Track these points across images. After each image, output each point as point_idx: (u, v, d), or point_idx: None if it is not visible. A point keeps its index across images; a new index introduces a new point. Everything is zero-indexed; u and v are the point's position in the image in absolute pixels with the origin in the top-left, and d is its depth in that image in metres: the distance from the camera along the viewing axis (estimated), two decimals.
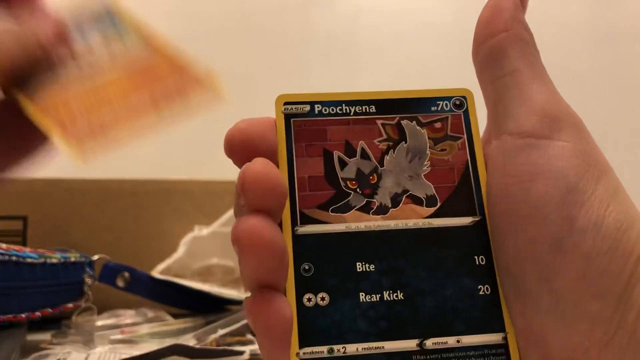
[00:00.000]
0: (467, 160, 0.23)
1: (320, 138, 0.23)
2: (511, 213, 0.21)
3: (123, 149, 0.26)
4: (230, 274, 0.61)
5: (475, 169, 0.23)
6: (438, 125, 0.23)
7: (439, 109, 0.23)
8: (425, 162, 0.23)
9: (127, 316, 0.51)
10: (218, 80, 0.29)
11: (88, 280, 0.49)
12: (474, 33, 0.23)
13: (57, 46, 0.29)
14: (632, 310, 0.19)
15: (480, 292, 0.21)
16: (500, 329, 0.21)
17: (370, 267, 0.21)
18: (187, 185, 0.67)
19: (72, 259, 0.48)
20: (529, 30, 0.23)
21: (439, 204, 0.22)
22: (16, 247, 0.44)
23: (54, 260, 0.46)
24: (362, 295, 0.21)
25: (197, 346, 0.44)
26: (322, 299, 0.21)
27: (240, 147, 0.21)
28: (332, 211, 0.22)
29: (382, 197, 0.22)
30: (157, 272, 0.58)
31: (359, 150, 0.23)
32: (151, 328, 0.48)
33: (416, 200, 0.22)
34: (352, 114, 0.23)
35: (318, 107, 0.23)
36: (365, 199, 0.22)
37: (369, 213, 0.22)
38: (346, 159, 0.23)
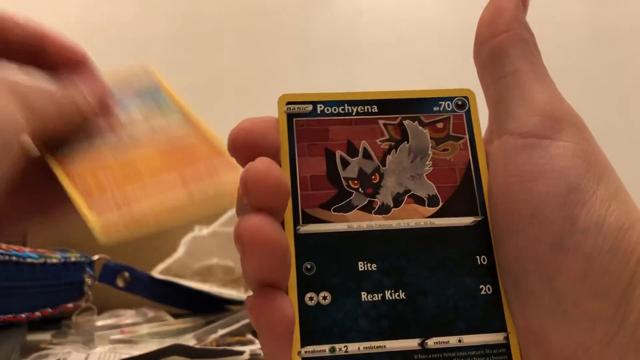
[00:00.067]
0: (469, 160, 0.23)
1: (322, 138, 0.23)
2: (512, 213, 0.21)
3: (147, 227, 0.26)
4: (230, 274, 0.61)
5: (477, 169, 0.23)
6: (440, 125, 0.23)
7: (441, 109, 0.23)
8: (427, 162, 0.23)
9: (127, 316, 0.51)
10: None
11: (88, 280, 0.49)
12: (475, 33, 0.23)
13: (98, 114, 0.29)
14: (634, 309, 0.19)
15: (482, 292, 0.21)
16: (502, 328, 0.21)
17: (372, 267, 0.21)
18: None
19: (72, 259, 0.48)
20: (530, 30, 0.23)
21: (440, 204, 0.22)
22: (16, 247, 0.44)
23: (54, 260, 0.46)
24: (364, 294, 0.21)
25: (197, 346, 0.44)
26: (324, 298, 0.21)
27: (243, 146, 0.21)
28: (334, 210, 0.22)
29: (384, 196, 0.22)
30: (157, 272, 0.58)
31: (361, 150, 0.23)
32: (151, 328, 0.48)
33: (418, 200, 0.22)
34: (354, 113, 0.23)
35: (320, 106, 0.23)
36: (367, 199, 0.22)
37: (370, 212, 0.22)
38: (348, 158, 0.23)
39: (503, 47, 0.22)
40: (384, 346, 0.20)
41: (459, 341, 0.21)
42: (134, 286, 0.52)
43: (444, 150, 0.23)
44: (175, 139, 0.29)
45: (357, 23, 1.00)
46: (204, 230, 0.62)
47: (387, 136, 0.23)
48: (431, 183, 0.22)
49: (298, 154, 0.22)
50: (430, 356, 0.20)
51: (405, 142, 0.23)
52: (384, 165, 0.23)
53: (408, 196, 0.22)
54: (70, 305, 0.48)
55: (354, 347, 0.20)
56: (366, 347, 0.20)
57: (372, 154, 0.23)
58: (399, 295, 0.21)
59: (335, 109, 0.23)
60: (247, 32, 1.00)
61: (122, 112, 0.30)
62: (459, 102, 0.24)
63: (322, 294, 0.21)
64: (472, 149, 0.23)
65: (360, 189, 0.22)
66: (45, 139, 0.27)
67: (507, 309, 0.21)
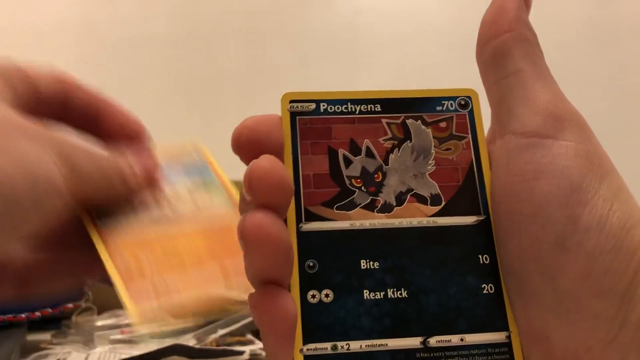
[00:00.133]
0: (472, 159, 0.23)
1: (325, 136, 0.23)
2: (515, 212, 0.21)
3: (184, 316, 0.25)
4: None
5: (479, 169, 0.23)
6: (443, 124, 0.23)
7: (444, 108, 0.24)
8: (430, 161, 0.23)
9: (127, 316, 0.51)
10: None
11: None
12: (478, 33, 0.23)
13: (144, 188, 0.28)
14: (636, 309, 0.19)
15: (484, 291, 0.21)
16: (504, 327, 0.21)
17: (375, 265, 0.21)
18: None
19: None
20: (532, 30, 0.23)
21: (443, 203, 0.22)
22: None
23: None
24: (366, 292, 0.21)
25: (197, 346, 0.44)
26: (327, 295, 0.21)
27: (247, 144, 0.21)
28: (336, 209, 0.22)
29: (387, 195, 0.22)
30: None
31: (364, 148, 0.23)
32: (151, 328, 0.48)
33: (421, 199, 0.22)
34: (357, 112, 0.23)
35: (324, 105, 0.23)
36: (370, 197, 0.22)
37: (373, 211, 0.22)
38: (351, 157, 0.23)
39: (506, 47, 0.22)
40: (386, 344, 0.20)
41: (461, 340, 0.21)
42: None
43: (447, 149, 0.23)
44: (218, 218, 0.29)
45: (357, 23, 1.00)
46: None
47: (390, 135, 0.23)
48: (434, 182, 0.23)
49: (301, 152, 0.22)
50: (432, 355, 0.20)
51: (408, 141, 0.23)
52: (387, 164, 0.23)
53: (411, 195, 0.22)
54: (70, 305, 0.48)
55: (356, 345, 0.20)
56: (368, 345, 0.20)
57: (375, 152, 0.23)
58: (401, 294, 0.21)
59: (338, 108, 0.23)
60: (247, 32, 1.00)
61: (169, 186, 0.29)
62: (462, 102, 0.24)
63: (324, 292, 0.21)
64: (475, 148, 0.23)
65: (362, 188, 0.22)
66: (87, 203, 0.26)
67: (509, 308, 0.21)
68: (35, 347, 0.44)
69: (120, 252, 0.26)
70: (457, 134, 0.23)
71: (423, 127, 0.23)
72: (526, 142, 0.21)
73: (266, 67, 0.96)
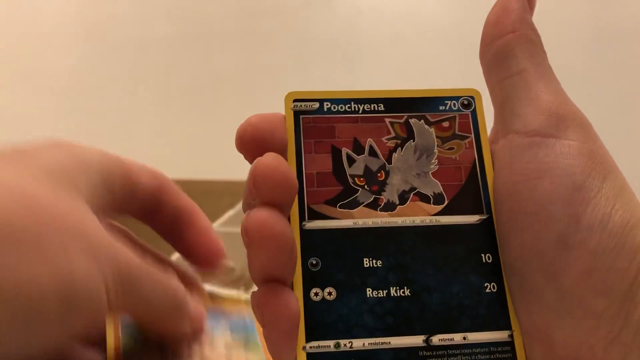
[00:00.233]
0: (475, 158, 0.23)
1: (328, 135, 0.23)
2: (517, 210, 0.21)
3: None
4: (230, 274, 0.61)
5: (482, 168, 0.23)
6: (446, 124, 0.23)
7: (447, 108, 0.24)
8: (433, 160, 0.23)
9: None
10: None
11: None
12: (481, 33, 0.23)
13: (184, 341, 0.26)
14: (638, 307, 0.19)
15: (487, 290, 0.21)
16: (507, 326, 0.21)
17: (377, 263, 0.21)
18: (187, 185, 0.67)
19: None
20: (536, 31, 0.23)
21: (446, 202, 0.22)
22: None
23: None
24: (369, 290, 0.21)
25: None
26: (329, 293, 0.21)
27: (251, 142, 0.21)
28: (339, 207, 0.22)
29: (390, 194, 0.22)
30: None
31: (367, 147, 0.23)
32: None
33: (423, 198, 0.22)
34: (360, 111, 0.23)
35: (327, 104, 0.23)
36: (373, 196, 0.22)
37: (376, 210, 0.22)
38: (354, 156, 0.23)
39: (509, 47, 0.22)
40: (389, 342, 0.20)
41: (464, 338, 0.21)
42: None
43: (450, 148, 0.23)
44: None
45: (357, 23, 1.00)
46: None
47: (393, 134, 0.23)
48: (437, 181, 0.23)
49: (304, 150, 0.22)
50: (434, 353, 0.20)
51: (411, 140, 0.23)
52: (390, 163, 0.23)
53: (414, 194, 0.22)
54: None
55: (358, 343, 0.20)
56: (371, 343, 0.20)
57: (378, 151, 0.23)
58: (404, 292, 0.21)
59: (341, 107, 0.23)
60: (247, 32, 1.00)
61: (207, 335, 0.28)
62: (465, 102, 0.24)
63: (327, 290, 0.21)
64: (478, 147, 0.23)
65: (366, 186, 0.22)
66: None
67: (512, 307, 0.21)
68: None
69: None
70: (459, 133, 0.23)
71: (426, 126, 0.23)
72: (529, 141, 0.21)
73: (266, 67, 0.97)
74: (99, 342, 0.25)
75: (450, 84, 0.24)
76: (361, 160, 0.23)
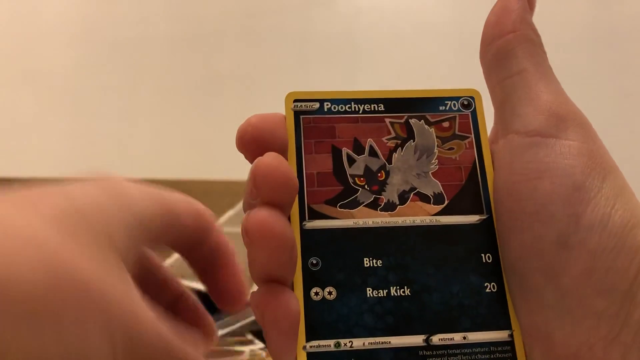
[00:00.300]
0: (475, 158, 0.23)
1: (329, 135, 0.23)
2: (517, 210, 0.21)
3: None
4: None
5: (482, 168, 0.23)
6: (446, 124, 0.23)
7: (447, 108, 0.24)
8: (433, 161, 0.23)
9: None
10: None
11: None
12: (482, 33, 0.24)
13: None
14: (638, 307, 0.19)
15: (487, 290, 0.21)
16: (507, 326, 0.21)
17: (378, 263, 0.21)
18: (187, 185, 0.67)
19: None
20: (536, 31, 0.23)
21: (446, 202, 0.22)
22: None
23: None
24: (369, 290, 0.21)
25: None
26: (330, 293, 0.21)
27: (252, 142, 0.21)
28: (340, 207, 0.22)
29: (390, 194, 0.22)
30: None
31: (367, 147, 0.23)
32: None
33: (424, 198, 0.22)
34: (360, 112, 0.23)
35: (327, 104, 0.23)
36: (373, 196, 0.22)
37: (376, 209, 0.22)
38: (355, 156, 0.23)
39: (509, 47, 0.22)
40: (389, 342, 0.20)
41: (464, 338, 0.21)
42: None
43: (450, 149, 0.23)
44: None
45: (358, 23, 1.00)
46: None
47: (393, 134, 0.23)
48: (437, 181, 0.23)
49: (305, 150, 0.22)
50: (434, 352, 0.20)
51: (412, 140, 0.23)
52: (390, 163, 0.23)
53: (414, 194, 0.22)
54: None
55: (359, 343, 0.20)
56: (371, 343, 0.20)
57: (379, 151, 0.23)
58: (404, 292, 0.21)
59: (342, 107, 0.23)
60: (247, 32, 1.00)
61: None
62: (465, 102, 0.24)
63: (327, 289, 0.21)
64: (478, 148, 0.23)
65: (366, 186, 0.22)
66: None
67: (512, 307, 0.21)
68: None
69: None
70: (460, 133, 0.23)
71: (426, 126, 0.23)
72: (529, 141, 0.21)
73: (266, 67, 0.97)
74: None
75: (450, 84, 0.24)
76: (361, 160, 0.23)
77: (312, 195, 0.22)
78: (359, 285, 0.21)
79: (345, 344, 0.20)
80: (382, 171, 0.23)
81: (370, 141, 0.23)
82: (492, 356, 0.21)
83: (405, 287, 0.21)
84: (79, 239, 0.19)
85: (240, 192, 0.22)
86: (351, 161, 0.23)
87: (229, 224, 0.62)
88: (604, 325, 0.19)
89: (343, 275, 0.21)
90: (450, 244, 0.22)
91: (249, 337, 0.49)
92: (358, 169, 0.23)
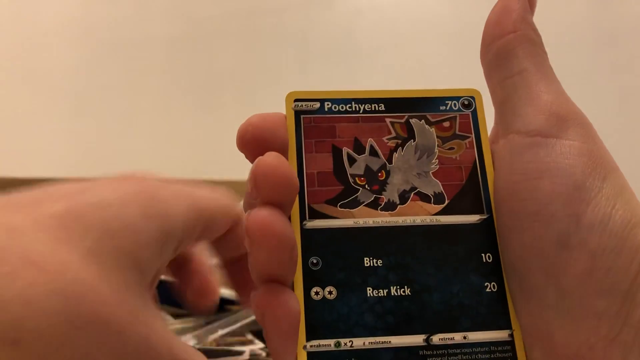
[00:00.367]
0: (475, 158, 0.23)
1: (329, 135, 0.23)
2: (518, 210, 0.21)
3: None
4: None
5: (482, 167, 0.23)
6: (446, 124, 0.23)
7: (447, 108, 0.24)
8: (434, 160, 0.23)
9: None
10: None
11: None
12: (482, 33, 0.24)
13: None
14: (638, 307, 0.19)
15: (487, 289, 0.21)
16: (507, 326, 0.21)
17: (378, 263, 0.21)
18: None
19: None
20: (536, 31, 0.23)
21: (446, 202, 0.22)
22: None
23: None
24: (370, 290, 0.21)
25: (197, 346, 0.44)
26: (330, 292, 0.21)
27: (252, 142, 0.21)
28: (340, 206, 0.22)
29: (390, 193, 0.22)
30: None
31: (367, 147, 0.23)
32: None
33: (424, 198, 0.22)
34: (361, 111, 0.23)
35: (328, 104, 0.23)
36: (374, 195, 0.22)
37: (377, 209, 0.22)
38: (355, 155, 0.23)
39: (510, 47, 0.23)
40: (389, 342, 0.20)
41: (464, 338, 0.21)
42: None
43: (450, 148, 0.23)
44: None
45: (358, 23, 1.00)
46: None
47: (393, 134, 0.23)
48: (437, 181, 0.23)
49: (305, 150, 0.22)
50: (435, 352, 0.20)
51: (412, 140, 0.23)
52: (391, 163, 0.23)
53: (414, 193, 0.22)
54: None
55: (359, 342, 0.20)
56: (371, 343, 0.20)
57: (379, 151, 0.23)
58: (404, 292, 0.21)
59: (342, 107, 0.23)
60: (247, 32, 1.00)
61: None
62: (466, 102, 0.24)
63: (327, 289, 0.21)
64: (478, 147, 0.23)
65: (366, 186, 0.22)
66: None
67: (512, 307, 0.21)
68: None
69: None
70: (460, 133, 0.23)
71: (427, 126, 0.23)
72: (530, 141, 0.21)
73: (266, 67, 0.97)
74: None
75: (450, 84, 0.24)
76: (362, 160, 0.23)
77: (312, 195, 0.22)
78: (359, 284, 0.21)
79: (345, 344, 0.20)
80: (383, 171, 0.23)
81: (370, 141, 0.23)
82: (492, 356, 0.21)
83: (406, 286, 0.21)
84: (103, 263, 0.19)
85: (240, 192, 0.21)
86: (352, 161, 0.23)
87: None
88: (604, 325, 0.19)
89: (343, 274, 0.21)
90: (451, 243, 0.22)
91: (249, 337, 0.48)
92: (358, 168, 0.23)
